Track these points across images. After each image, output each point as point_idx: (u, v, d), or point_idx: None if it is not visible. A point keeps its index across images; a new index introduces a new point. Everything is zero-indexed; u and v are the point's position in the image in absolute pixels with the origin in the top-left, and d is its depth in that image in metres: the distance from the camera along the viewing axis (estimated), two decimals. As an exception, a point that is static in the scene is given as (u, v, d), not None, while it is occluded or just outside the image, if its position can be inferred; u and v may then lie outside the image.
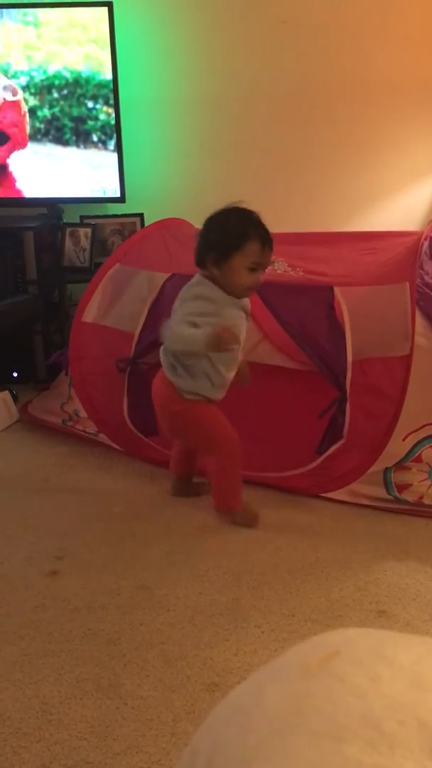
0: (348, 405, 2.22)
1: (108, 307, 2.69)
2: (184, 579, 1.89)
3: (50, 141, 3.11)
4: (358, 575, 1.90)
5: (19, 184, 3.19)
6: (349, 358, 2.24)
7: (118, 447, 2.60)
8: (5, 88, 3.03)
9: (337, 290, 2.31)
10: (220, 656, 1.61)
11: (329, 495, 2.26)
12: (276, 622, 1.72)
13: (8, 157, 3.13)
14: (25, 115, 3.06)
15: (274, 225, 3.11)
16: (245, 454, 2.45)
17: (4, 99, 3.04)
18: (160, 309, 2.58)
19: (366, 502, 2.23)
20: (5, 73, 3.03)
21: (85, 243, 3.31)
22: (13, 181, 3.18)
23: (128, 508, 2.27)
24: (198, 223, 3.02)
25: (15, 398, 2.97)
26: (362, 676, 0.35)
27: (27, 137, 3.09)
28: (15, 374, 3.24)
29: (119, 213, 3.32)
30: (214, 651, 1.62)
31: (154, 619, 1.74)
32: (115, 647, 1.64)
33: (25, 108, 3.04)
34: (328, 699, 0.34)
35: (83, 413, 2.66)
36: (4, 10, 2.96)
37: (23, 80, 3.04)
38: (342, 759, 0.31)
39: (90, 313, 2.69)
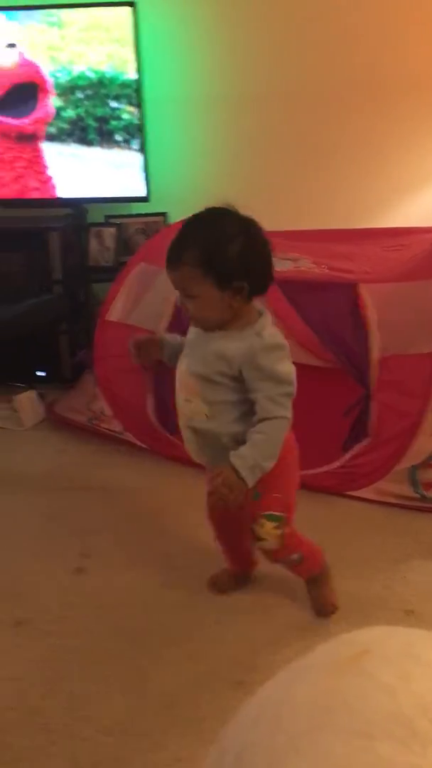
0: (373, 402, 2.20)
1: (132, 306, 2.70)
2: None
3: (75, 141, 3.12)
4: (384, 574, 1.89)
5: (45, 185, 3.21)
6: (375, 355, 2.22)
7: (143, 445, 2.60)
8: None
9: (362, 287, 2.29)
10: (245, 654, 1.61)
11: (355, 493, 2.25)
12: (302, 620, 1.72)
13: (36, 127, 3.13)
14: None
15: (299, 222, 3.10)
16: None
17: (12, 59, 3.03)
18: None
19: (392, 500, 2.21)
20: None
21: (109, 242, 3.32)
22: (40, 181, 3.21)
23: (154, 506, 2.28)
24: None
25: (41, 397, 3.00)
26: (392, 674, 0.35)
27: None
28: (41, 373, 3.27)
29: (143, 212, 3.32)
30: (239, 649, 1.62)
31: (180, 616, 1.74)
32: (142, 644, 1.65)
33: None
34: (359, 697, 0.34)
35: (109, 412, 2.68)
36: (28, 12, 2.98)
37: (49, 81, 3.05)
38: (373, 757, 0.31)
39: (114, 312, 2.70)
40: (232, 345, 1.47)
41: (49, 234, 3.09)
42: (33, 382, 3.14)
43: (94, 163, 3.15)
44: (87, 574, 1.92)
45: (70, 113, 3.09)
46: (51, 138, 3.13)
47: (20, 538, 2.10)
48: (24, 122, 3.12)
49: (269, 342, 1.48)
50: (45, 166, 3.19)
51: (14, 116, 3.12)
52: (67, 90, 3.06)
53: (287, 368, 1.49)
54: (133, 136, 3.09)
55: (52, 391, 3.11)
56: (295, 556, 1.68)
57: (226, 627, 1.70)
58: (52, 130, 3.12)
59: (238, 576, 1.84)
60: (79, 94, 3.06)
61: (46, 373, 3.27)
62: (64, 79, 3.04)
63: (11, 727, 1.42)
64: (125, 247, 3.34)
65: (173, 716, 1.44)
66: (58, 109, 3.08)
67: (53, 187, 3.22)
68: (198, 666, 1.58)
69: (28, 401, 2.91)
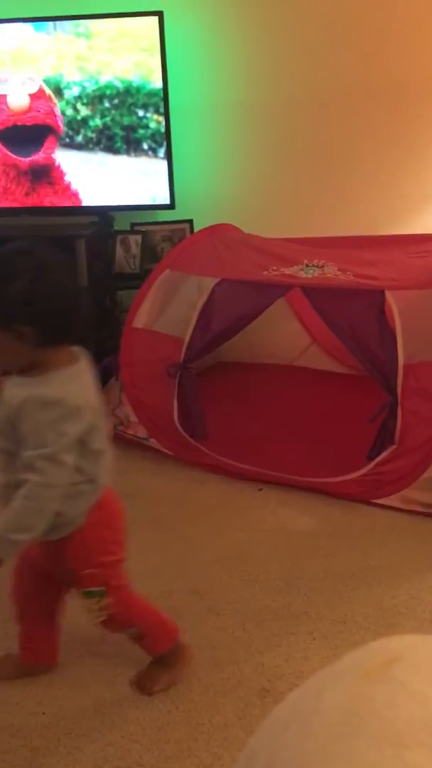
0: (399, 409, 2.19)
1: (158, 312, 2.72)
2: (235, 584, 1.89)
3: (102, 150, 3.15)
4: (410, 582, 1.87)
5: (71, 193, 3.25)
6: (401, 362, 2.21)
7: (168, 451, 2.61)
8: (24, 83, 3.08)
9: (388, 294, 2.28)
10: (271, 662, 1.60)
11: (380, 501, 2.24)
12: (327, 628, 1.71)
13: (55, 150, 3.18)
14: (55, 104, 3.10)
15: (324, 228, 3.10)
16: (296, 460, 2.45)
17: (29, 94, 3.09)
18: (209, 314, 2.59)
19: (419, 508, 2.19)
20: (58, 83, 3.09)
21: (135, 250, 3.35)
22: (65, 189, 3.24)
23: (178, 512, 2.28)
24: (247, 229, 3.04)
25: (67, 403, 3.02)
26: (423, 682, 0.35)
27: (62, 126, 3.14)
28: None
29: (169, 220, 3.34)
30: (264, 656, 1.62)
31: (205, 623, 1.74)
32: (167, 650, 1.65)
33: (50, 92, 3.09)
34: (389, 704, 0.34)
35: (134, 418, 2.69)
36: (57, 23, 3.02)
37: (76, 91, 3.09)
38: (404, 765, 0.31)
39: (140, 319, 2.72)
40: (17, 392, 1.30)
41: (76, 241, 3.12)
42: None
43: (120, 171, 3.18)
44: (112, 580, 1.92)
45: (97, 122, 3.12)
46: (78, 147, 3.17)
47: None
48: (30, 159, 3.19)
49: (45, 396, 1.29)
50: (67, 175, 3.22)
51: (19, 155, 3.18)
52: (95, 99, 3.09)
53: (59, 429, 1.28)
54: (159, 144, 3.11)
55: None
56: (131, 631, 1.53)
57: (252, 634, 1.70)
58: (79, 139, 3.15)
59: (25, 667, 1.59)
60: (106, 103, 3.09)
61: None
62: (91, 88, 3.07)
63: (39, 730, 1.43)
64: (151, 254, 3.37)
65: (198, 723, 1.44)
66: (86, 119, 3.12)
67: (78, 195, 3.25)
68: (223, 673, 1.58)
69: (54, 407, 2.93)
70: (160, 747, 1.39)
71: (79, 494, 1.37)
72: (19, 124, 3.14)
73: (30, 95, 3.10)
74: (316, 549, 2.04)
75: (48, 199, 3.26)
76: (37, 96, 3.10)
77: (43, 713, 1.48)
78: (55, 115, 3.12)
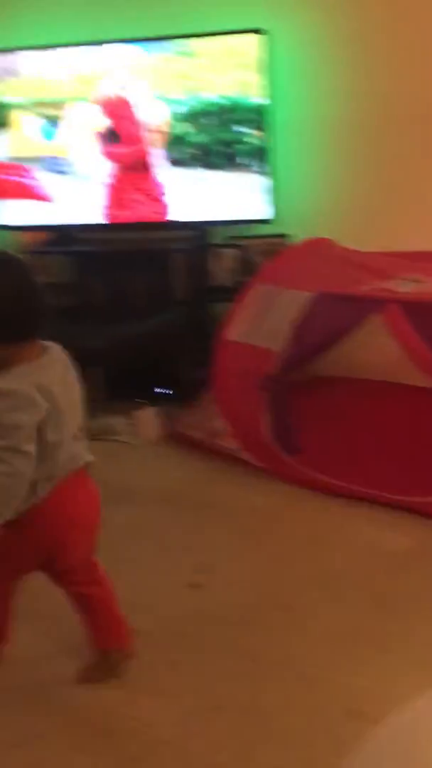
0: None
1: (252, 325, 2.73)
2: (326, 600, 1.87)
3: (201, 165, 3.21)
4: None
5: (169, 208, 3.32)
6: None
7: (259, 464, 2.61)
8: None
9: None
10: (360, 683, 1.57)
11: None
12: (421, 652, 1.66)
13: (132, 158, 3.27)
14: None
15: (423, 243, 3.03)
16: (390, 477, 2.39)
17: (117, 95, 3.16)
18: (304, 328, 2.58)
19: None
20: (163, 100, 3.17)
21: (230, 263, 3.38)
22: (163, 204, 3.31)
23: (269, 526, 2.28)
24: (343, 243, 3.01)
25: (160, 413, 3.07)
26: None
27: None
28: (161, 391, 3.35)
29: (265, 234, 3.36)
30: (354, 677, 1.59)
31: (294, 639, 1.73)
32: (254, 665, 1.64)
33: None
34: None
35: (227, 430, 2.71)
36: (161, 43, 3.11)
37: (177, 109, 3.16)
38: None
39: (234, 332, 2.74)
40: None
41: (173, 256, 3.19)
42: (154, 399, 3.23)
43: (218, 186, 3.22)
44: (203, 591, 1.94)
45: (196, 138, 3.18)
46: (176, 163, 3.23)
47: (139, 550, 2.15)
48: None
49: (0, 389, 1.35)
50: (166, 191, 3.29)
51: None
52: (195, 116, 3.15)
53: (14, 419, 1.32)
54: (257, 160, 3.14)
55: (172, 409, 3.18)
56: None
57: (342, 653, 1.67)
58: (178, 155, 3.22)
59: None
60: (206, 120, 3.15)
61: (166, 391, 3.35)
62: (192, 105, 3.14)
63: (124, 735, 1.46)
64: (246, 268, 3.38)
65: (286, 741, 1.43)
66: (185, 135, 3.18)
67: (175, 210, 3.31)
68: (311, 691, 1.55)
69: (148, 417, 2.99)
70: (246, 763, 1.38)
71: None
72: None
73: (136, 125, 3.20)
74: (410, 569, 1.99)
75: (145, 214, 3.34)
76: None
77: (135, 720, 1.50)
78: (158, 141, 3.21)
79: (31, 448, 1.35)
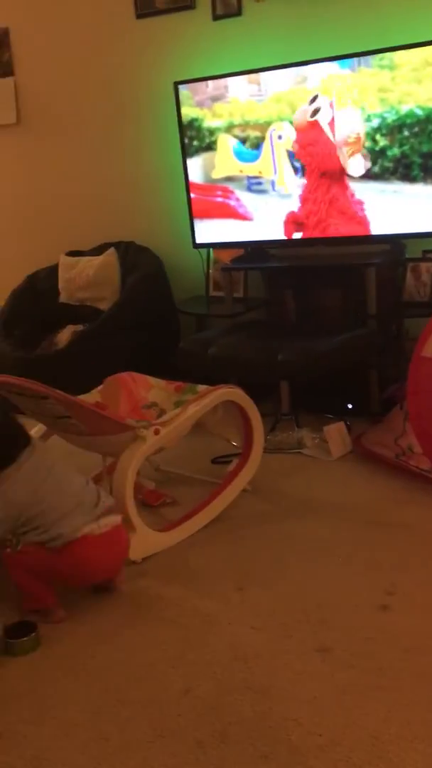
0: None
1: (449, 342, 2.63)
2: None
3: (398, 178, 3.16)
4: None
5: (364, 222, 3.29)
6: None
7: (453, 487, 2.51)
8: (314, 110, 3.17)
9: None
10: None
11: None
12: None
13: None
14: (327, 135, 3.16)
15: None
16: None
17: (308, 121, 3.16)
18: None
19: None
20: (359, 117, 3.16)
21: (426, 278, 3.28)
22: (359, 218, 3.29)
23: (463, 552, 2.18)
24: None
25: (349, 429, 3.05)
26: None
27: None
28: (350, 406, 3.32)
29: (463, 247, 3.23)
30: None
31: None
32: (447, 696, 1.58)
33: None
34: None
35: (418, 449, 2.63)
36: (362, 58, 3.10)
37: (375, 122, 3.14)
38: None
39: (430, 348, 2.65)
40: None
41: (367, 270, 3.15)
42: (342, 414, 3.21)
43: (415, 198, 3.15)
44: (392, 612, 1.89)
45: (394, 151, 3.13)
46: (374, 177, 3.20)
47: (327, 566, 2.15)
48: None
49: None
50: (361, 205, 3.27)
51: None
52: (394, 129, 3.10)
53: None
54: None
55: (360, 424, 3.14)
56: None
57: None
58: (376, 169, 3.18)
59: None
60: (406, 132, 3.09)
61: (355, 406, 3.32)
62: (391, 118, 3.10)
63: (314, 751, 1.46)
64: (443, 282, 3.28)
65: None
66: (383, 149, 3.15)
67: (370, 223, 3.28)
68: None
69: (337, 433, 2.97)
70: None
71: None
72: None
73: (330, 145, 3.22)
74: None
75: (340, 228, 3.34)
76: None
77: (322, 736, 1.50)
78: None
79: None
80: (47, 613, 1.97)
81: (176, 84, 3.57)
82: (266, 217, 3.51)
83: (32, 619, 1.92)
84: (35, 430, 2.58)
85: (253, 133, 3.44)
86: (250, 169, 3.49)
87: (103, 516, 1.99)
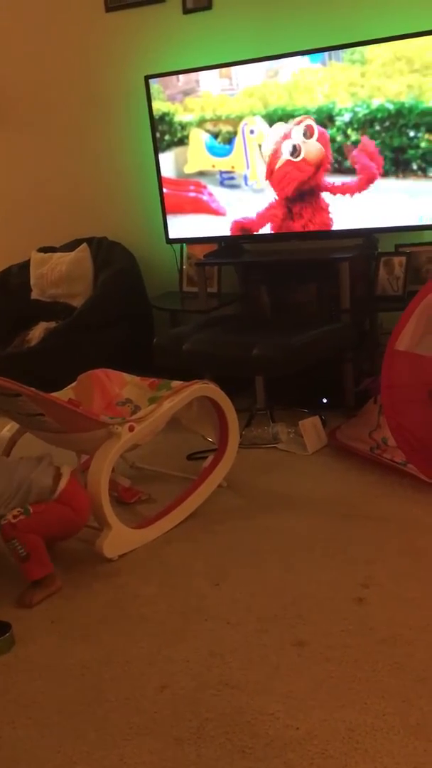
0: None
1: (422, 335, 2.64)
2: None
3: (369, 172, 3.17)
4: None
5: (335, 216, 3.30)
6: None
7: (426, 478, 2.53)
8: (303, 133, 3.19)
9: None
10: None
11: None
12: None
13: (323, 176, 3.26)
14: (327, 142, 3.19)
15: None
16: None
17: (288, 160, 3.23)
18: None
19: None
20: (330, 112, 3.16)
21: (399, 271, 3.30)
22: (330, 213, 3.30)
23: (437, 543, 2.20)
24: None
25: (324, 423, 3.06)
26: None
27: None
28: (324, 400, 3.34)
29: (435, 240, 3.26)
30: None
31: (466, 664, 1.65)
32: (424, 686, 1.59)
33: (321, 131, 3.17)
34: None
35: (392, 442, 2.65)
36: (333, 52, 3.10)
37: (346, 117, 3.14)
38: None
39: (403, 342, 2.67)
40: None
41: (340, 264, 3.16)
42: (317, 408, 3.22)
43: (386, 193, 3.16)
44: (368, 605, 1.90)
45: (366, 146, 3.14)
46: (345, 172, 3.21)
47: (302, 561, 2.15)
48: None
49: None
50: (328, 204, 3.28)
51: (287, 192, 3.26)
52: (365, 124, 3.11)
53: None
54: (429, 164, 3.05)
55: (335, 418, 3.16)
56: (20, 549, 2.03)
57: None
58: (348, 164, 3.19)
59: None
60: (377, 127, 3.10)
61: (329, 400, 3.33)
62: (362, 113, 3.11)
63: (292, 744, 1.46)
64: (415, 276, 3.30)
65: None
66: (355, 143, 3.15)
67: (342, 218, 3.29)
68: None
69: (312, 427, 2.98)
70: (415, 786, 1.34)
71: None
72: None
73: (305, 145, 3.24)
74: None
75: (312, 222, 3.35)
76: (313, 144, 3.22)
77: (299, 729, 1.50)
78: (327, 156, 3.21)
79: None
80: (49, 583, 2.08)
81: (147, 78, 3.54)
82: (239, 212, 3.50)
83: (31, 591, 2.04)
84: (7, 428, 2.55)
85: (225, 128, 3.43)
86: (222, 163, 3.49)
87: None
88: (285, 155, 3.29)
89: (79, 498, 2.17)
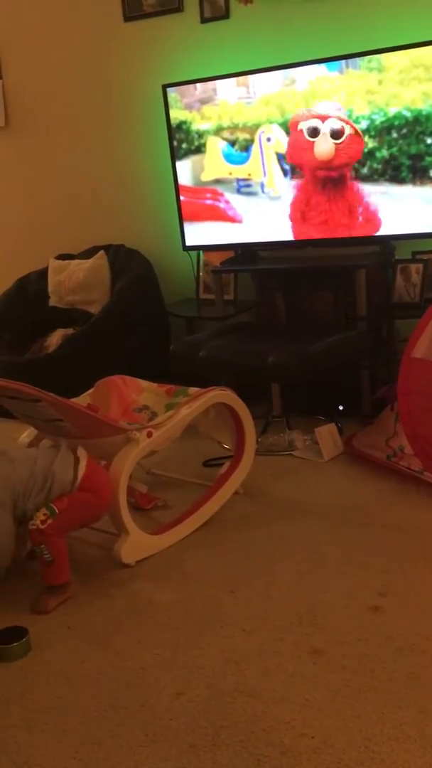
0: None
1: (440, 343, 2.64)
2: None
3: (387, 180, 3.16)
4: None
5: (355, 223, 3.30)
6: None
7: (444, 488, 2.52)
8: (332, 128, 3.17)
9: None
10: None
11: None
12: None
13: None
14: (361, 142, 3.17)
15: None
16: None
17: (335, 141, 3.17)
18: None
19: None
20: (349, 117, 3.17)
21: (416, 279, 3.29)
22: (350, 221, 3.30)
23: (455, 552, 2.18)
24: None
25: (340, 431, 3.05)
26: None
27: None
28: (341, 407, 3.33)
29: (452, 248, 3.24)
30: None
31: None
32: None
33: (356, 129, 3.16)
34: None
35: (408, 450, 2.63)
36: (350, 61, 3.11)
37: (364, 124, 3.14)
38: None
39: (420, 349, 2.66)
40: None
41: (356, 271, 3.16)
42: (334, 416, 3.21)
43: (404, 200, 3.16)
44: (384, 614, 1.89)
45: (383, 153, 3.14)
46: (363, 178, 3.21)
47: (318, 569, 2.15)
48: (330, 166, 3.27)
49: None
50: (356, 206, 3.27)
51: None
52: (382, 131, 3.11)
53: None
54: (448, 172, 3.04)
55: (352, 425, 3.15)
56: (47, 554, 2.02)
57: None
58: (365, 171, 3.19)
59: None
60: (394, 134, 3.10)
61: (346, 407, 3.32)
62: (379, 120, 3.11)
63: (307, 753, 1.45)
64: (432, 283, 3.29)
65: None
66: (372, 150, 3.15)
67: (362, 225, 3.28)
68: None
69: (328, 434, 2.98)
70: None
71: None
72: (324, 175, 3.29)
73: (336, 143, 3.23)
74: None
75: (332, 231, 3.34)
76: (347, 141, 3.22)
77: (314, 738, 1.50)
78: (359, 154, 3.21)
79: None
80: (65, 589, 2.09)
81: (165, 87, 3.57)
82: (256, 219, 3.51)
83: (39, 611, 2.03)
84: (26, 434, 2.57)
85: (242, 136, 3.44)
86: (239, 171, 3.50)
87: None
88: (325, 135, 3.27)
89: (100, 482, 2.16)
